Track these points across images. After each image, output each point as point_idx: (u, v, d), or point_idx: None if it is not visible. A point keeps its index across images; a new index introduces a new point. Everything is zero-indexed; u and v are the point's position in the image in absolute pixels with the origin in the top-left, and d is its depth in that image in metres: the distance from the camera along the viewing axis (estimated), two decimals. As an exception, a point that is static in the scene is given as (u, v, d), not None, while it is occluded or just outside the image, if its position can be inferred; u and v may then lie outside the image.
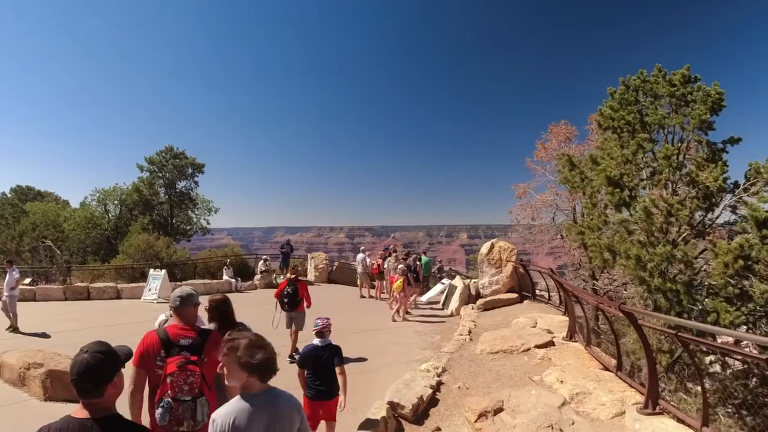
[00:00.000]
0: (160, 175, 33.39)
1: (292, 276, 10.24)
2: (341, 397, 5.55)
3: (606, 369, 7.79)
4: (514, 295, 15.04)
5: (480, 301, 14.61)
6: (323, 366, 5.54)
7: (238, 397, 2.77)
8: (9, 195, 46.42)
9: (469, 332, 10.92)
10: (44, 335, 12.07)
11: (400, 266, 15.52)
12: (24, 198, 43.11)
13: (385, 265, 17.52)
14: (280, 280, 22.36)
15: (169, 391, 3.41)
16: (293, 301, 9.89)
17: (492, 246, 16.20)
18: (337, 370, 5.57)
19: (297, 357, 7.12)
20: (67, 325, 13.26)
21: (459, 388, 7.18)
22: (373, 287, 18.82)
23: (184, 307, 3.79)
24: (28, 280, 20.03)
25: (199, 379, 3.48)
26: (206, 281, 20.58)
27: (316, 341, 5.68)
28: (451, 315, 15.19)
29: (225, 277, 21.03)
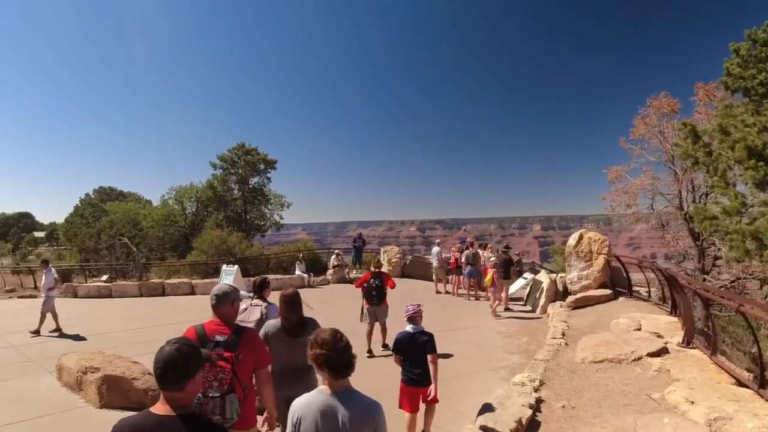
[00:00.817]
0: (233, 171, 33.54)
1: (376, 269, 9.96)
2: (432, 386, 5.56)
3: (741, 384, 6.36)
4: (607, 292, 13.51)
5: (570, 299, 13.18)
6: (417, 352, 5.61)
7: (317, 389, 2.80)
8: (92, 196, 48.60)
9: (563, 335, 9.62)
10: (110, 333, 11.74)
11: (492, 258, 14.77)
12: (106, 198, 44.93)
13: (463, 258, 16.36)
14: (354, 274, 21.80)
15: (200, 387, 3.21)
16: (381, 293, 9.64)
17: (581, 237, 14.70)
18: (429, 358, 5.56)
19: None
20: (137, 323, 13.01)
21: (563, 407, 5.98)
22: (449, 282, 17.73)
23: (221, 305, 3.73)
24: (104, 277, 20.33)
25: (229, 376, 3.44)
26: (278, 276, 20.14)
27: (409, 327, 5.75)
28: (534, 312, 13.91)
29: (297, 272, 20.54)
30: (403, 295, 11.96)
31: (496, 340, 10.77)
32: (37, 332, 11.53)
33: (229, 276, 17.54)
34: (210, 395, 3.41)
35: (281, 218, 36.48)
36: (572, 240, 14.82)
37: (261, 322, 5.31)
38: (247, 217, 34.21)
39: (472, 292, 16.27)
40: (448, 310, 14.48)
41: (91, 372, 7.11)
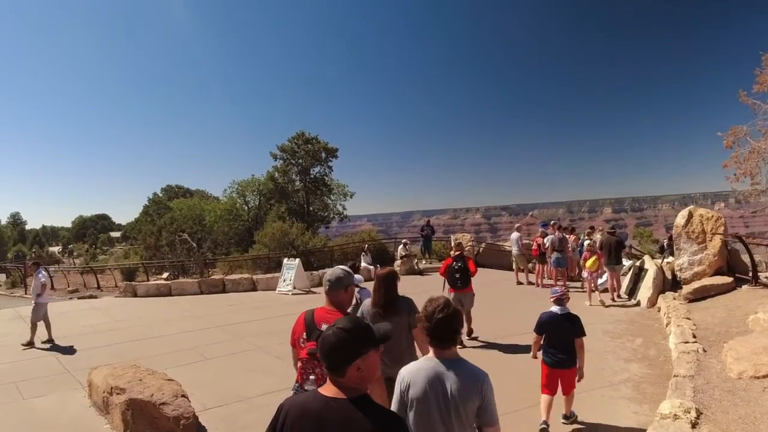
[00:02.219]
0: (293, 162, 32.44)
1: (458, 252, 9.43)
2: (580, 371, 5.59)
3: None
4: (728, 279, 11.33)
5: (686, 289, 11.08)
6: (562, 334, 5.57)
7: (425, 356, 2.90)
8: (160, 195, 49.24)
9: (694, 337, 7.67)
10: (160, 337, 10.68)
11: (587, 241, 13.73)
12: (174, 196, 45.29)
13: (547, 244, 14.45)
14: (423, 264, 20.28)
15: (299, 378, 3.29)
16: (465, 278, 9.15)
17: (690, 215, 12.54)
18: (577, 342, 5.54)
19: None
20: (191, 324, 12.00)
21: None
22: (531, 271, 15.87)
23: (334, 290, 3.57)
24: (165, 275, 19.65)
25: None
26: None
27: (555, 308, 5.70)
28: (639, 306, 11.90)
29: (363, 263, 19.14)
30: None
31: (604, 342, 8.90)
32: (30, 344, 10.27)
33: (291, 270, 16.43)
34: (306, 388, 3.18)
35: (344, 209, 35.35)
36: (680, 219, 12.68)
37: (356, 306, 5.25)
38: (310, 208, 33.16)
39: (560, 283, 14.36)
40: (535, 303, 12.62)
41: (117, 393, 5.89)
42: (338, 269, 3.76)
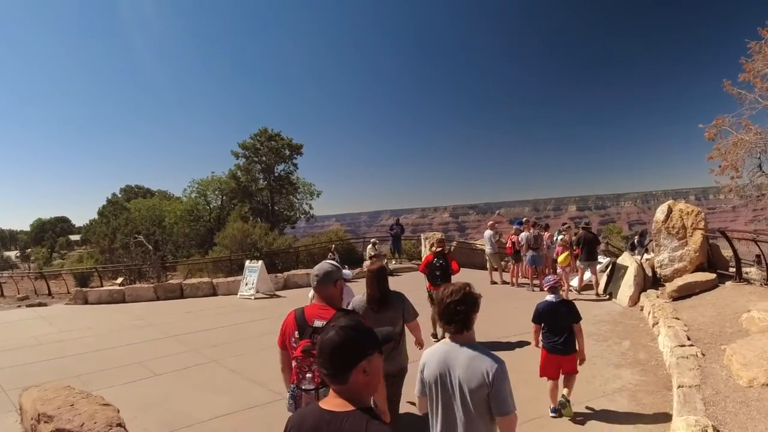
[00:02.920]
0: (256, 160, 31.31)
1: (439, 249, 9.17)
2: (581, 354, 5.74)
3: None
4: (711, 276, 10.90)
5: (671, 287, 10.53)
6: (559, 321, 5.69)
7: (443, 340, 2.92)
8: (119, 195, 47.39)
9: (689, 339, 7.11)
10: (106, 351, 9.66)
11: (561, 236, 13.48)
12: (133, 197, 43.55)
13: (522, 242, 13.87)
14: (393, 265, 19.56)
15: (294, 377, 3.15)
16: (445, 275, 8.78)
17: (670, 210, 12.13)
18: (576, 328, 5.66)
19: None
20: (143, 334, 11.00)
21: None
22: (505, 270, 15.31)
23: (323, 285, 3.43)
24: (120, 280, 18.48)
25: None
26: (309, 271, 17.97)
27: (550, 297, 5.85)
28: (621, 305, 11.39)
29: (331, 265, 18.37)
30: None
31: (590, 345, 8.21)
32: None
33: (253, 273, 15.54)
34: (303, 387, 3.10)
35: (311, 208, 34.35)
36: (660, 213, 12.27)
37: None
38: (275, 208, 32.08)
39: (535, 282, 13.81)
40: (511, 304, 12.09)
41: (44, 421, 4.95)
42: (325, 263, 3.62)
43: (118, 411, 5.25)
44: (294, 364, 3.17)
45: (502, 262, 15.58)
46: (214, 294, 16.24)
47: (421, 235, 21.60)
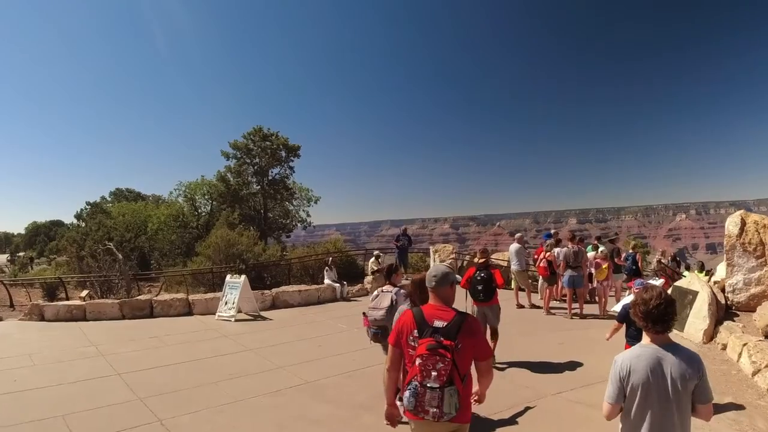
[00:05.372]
0: (249, 161, 28.90)
1: (482, 260, 8.55)
2: None
3: None
4: (805, 306, 8.65)
5: (763, 320, 8.21)
6: None
7: (640, 343, 3.04)
8: (108, 198, 45.04)
9: None
10: (32, 391, 7.22)
11: (601, 248, 12.52)
12: (124, 200, 41.17)
13: (561, 258, 11.54)
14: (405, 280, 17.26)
15: (417, 375, 3.20)
16: (488, 289, 8.08)
17: (743, 222, 9.91)
18: None
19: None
20: (82, 369, 8.62)
21: None
22: (534, 291, 13.02)
23: (441, 286, 3.47)
24: (84, 293, 16.02)
25: (449, 366, 3.16)
26: (302, 288, 15.57)
27: None
28: (690, 339, 9.02)
29: (326, 280, 15.97)
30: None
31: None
32: None
33: (235, 290, 13.23)
34: (428, 385, 3.15)
35: (308, 215, 31.91)
36: (732, 226, 10.04)
37: (392, 308, 5.63)
38: (269, 214, 29.61)
39: (575, 308, 11.48)
40: (551, 337, 9.76)
41: None
42: (442, 266, 3.69)
43: None
44: (418, 362, 3.20)
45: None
46: (190, 313, 13.83)
47: (430, 247, 19.28)
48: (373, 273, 16.59)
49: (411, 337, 3.34)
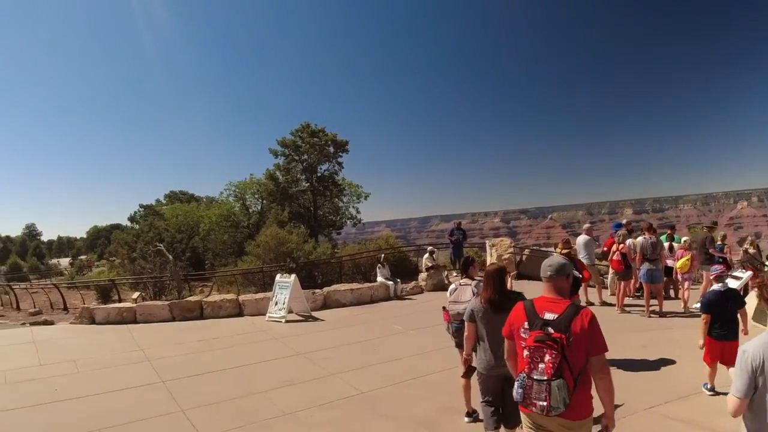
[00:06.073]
0: (297, 158, 28.54)
1: (566, 251, 7.75)
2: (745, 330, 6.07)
3: None
4: None
5: None
6: (726, 309, 6.03)
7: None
8: (163, 201, 45.85)
9: None
10: (67, 402, 6.79)
11: (684, 238, 11.81)
12: (178, 203, 41.74)
13: (637, 251, 10.46)
14: (454, 277, 16.42)
15: (525, 367, 3.17)
16: (574, 282, 6.76)
17: None
18: (741, 312, 6.09)
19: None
20: (127, 376, 8.24)
21: None
22: (605, 287, 11.96)
23: (557, 277, 3.37)
24: (135, 295, 15.89)
25: (557, 358, 3.06)
26: (354, 286, 14.91)
27: (717, 286, 6.20)
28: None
29: (379, 278, 15.28)
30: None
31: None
32: None
33: (285, 290, 12.69)
34: (535, 378, 3.10)
35: (358, 211, 31.30)
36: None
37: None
38: (318, 212, 29.19)
39: (653, 305, 10.39)
40: (633, 339, 8.72)
41: None
42: (558, 257, 3.73)
43: None
44: (526, 354, 3.17)
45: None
46: (240, 314, 13.40)
47: (486, 241, 18.30)
48: (427, 270, 15.82)
49: (522, 329, 3.32)
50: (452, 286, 6.06)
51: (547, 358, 3.06)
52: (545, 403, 3.03)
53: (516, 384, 3.19)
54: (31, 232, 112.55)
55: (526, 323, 3.29)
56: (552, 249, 17.43)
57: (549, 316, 3.23)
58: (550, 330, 3.15)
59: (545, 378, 3.04)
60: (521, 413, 3.40)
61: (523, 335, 3.28)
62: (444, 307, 6.06)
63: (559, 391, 3.01)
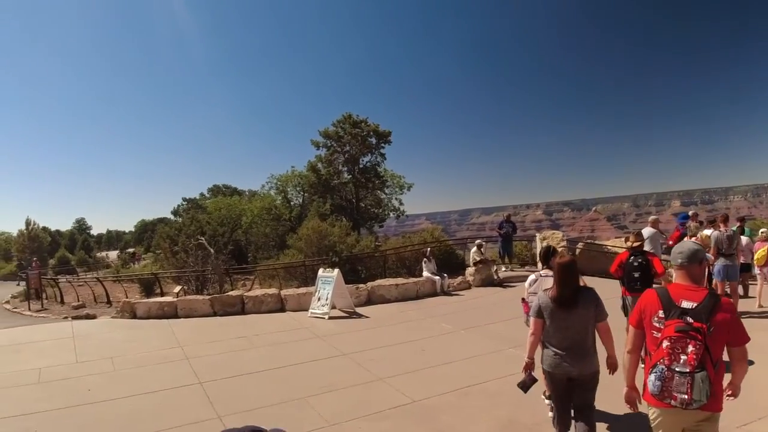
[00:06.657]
0: (339, 150, 28.03)
1: (637, 243, 7.32)
2: None
3: None
4: None
5: None
6: None
7: None
8: (207, 195, 46.24)
9: None
10: (104, 403, 6.38)
11: (762, 230, 10.73)
12: (221, 197, 41.99)
13: (711, 245, 9.47)
14: (503, 272, 15.63)
15: (664, 358, 2.99)
16: (646, 277, 6.83)
17: None
18: None
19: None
20: (162, 375, 7.84)
21: None
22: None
23: (690, 264, 3.23)
24: (177, 289, 15.66)
25: (700, 349, 2.93)
26: (399, 281, 14.27)
27: None
28: None
29: (425, 272, 14.59)
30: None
31: None
32: None
33: (328, 285, 12.15)
34: (676, 369, 2.95)
35: (401, 203, 30.66)
36: None
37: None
38: (360, 204, 28.64)
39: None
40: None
41: None
42: (690, 243, 3.48)
43: None
44: (666, 344, 3.02)
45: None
46: (282, 309, 12.95)
47: (537, 234, 17.40)
48: (475, 264, 15.05)
49: (656, 318, 3.19)
50: (532, 277, 5.84)
51: (690, 349, 2.94)
52: (686, 396, 2.92)
53: (652, 376, 3.04)
54: (81, 226, 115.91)
55: (660, 311, 3.16)
56: (607, 244, 16.48)
57: (687, 304, 3.09)
58: (689, 319, 3.02)
59: (688, 370, 2.93)
60: (650, 409, 3.21)
61: (656, 324, 3.16)
62: (523, 299, 5.90)
63: (702, 383, 2.90)
